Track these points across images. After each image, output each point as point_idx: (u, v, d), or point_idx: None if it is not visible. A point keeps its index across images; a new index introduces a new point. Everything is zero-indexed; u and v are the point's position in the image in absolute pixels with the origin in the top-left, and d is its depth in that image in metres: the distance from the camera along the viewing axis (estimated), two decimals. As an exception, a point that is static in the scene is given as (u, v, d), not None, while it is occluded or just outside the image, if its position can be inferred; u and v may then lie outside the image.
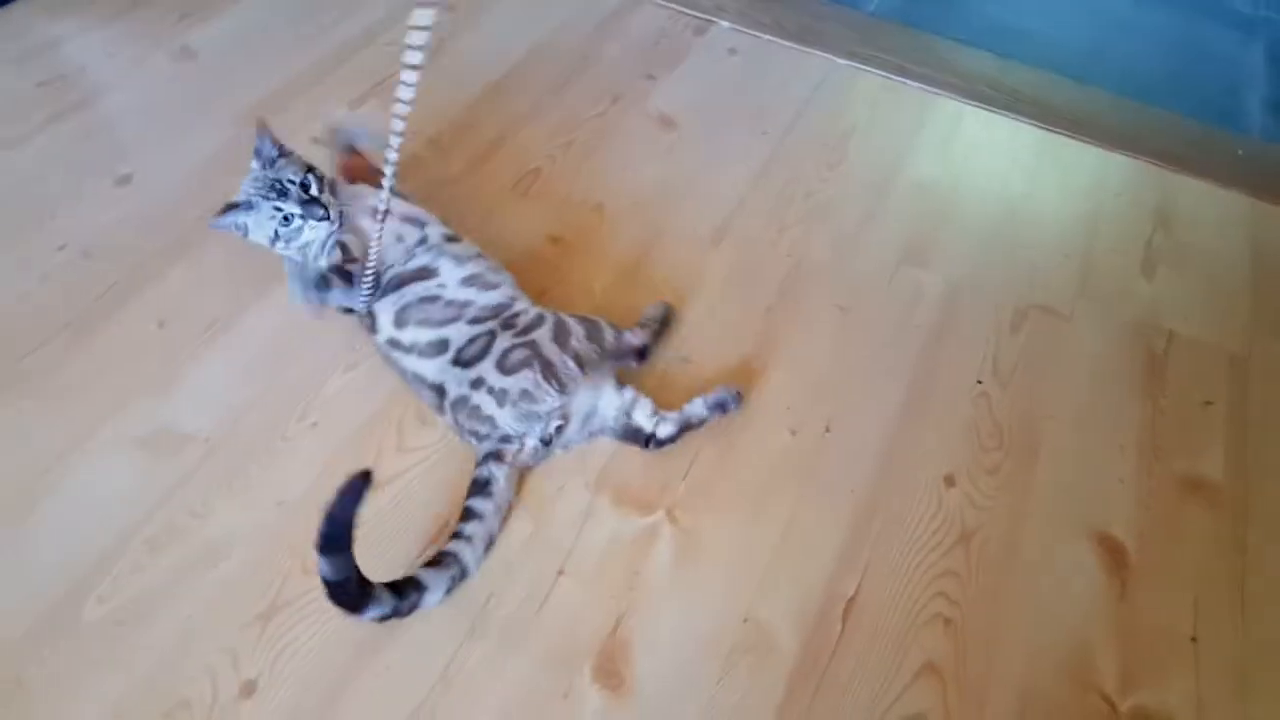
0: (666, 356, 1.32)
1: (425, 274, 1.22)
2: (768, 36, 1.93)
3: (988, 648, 1.08)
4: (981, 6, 2.16)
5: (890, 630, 1.09)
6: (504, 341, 1.16)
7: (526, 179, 1.58)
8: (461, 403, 1.15)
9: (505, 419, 1.14)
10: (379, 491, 1.16)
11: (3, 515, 1.12)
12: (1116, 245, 1.57)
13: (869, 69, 1.88)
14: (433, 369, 1.18)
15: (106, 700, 0.98)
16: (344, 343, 1.29)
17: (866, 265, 1.49)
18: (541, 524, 1.15)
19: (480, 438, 1.16)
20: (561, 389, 1.14)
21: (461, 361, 1.17)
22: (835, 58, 1.89)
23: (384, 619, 1.01)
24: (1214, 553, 1.19)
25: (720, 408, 1.24)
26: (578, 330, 1.19)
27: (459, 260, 1.24)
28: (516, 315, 1.20)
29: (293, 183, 1.20)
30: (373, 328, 1.23)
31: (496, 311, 1.20)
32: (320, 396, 1.25)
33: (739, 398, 1.26)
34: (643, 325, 1.30)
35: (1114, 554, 1.17)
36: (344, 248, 1.23)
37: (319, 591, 0.96)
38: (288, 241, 1.22)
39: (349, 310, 1.24)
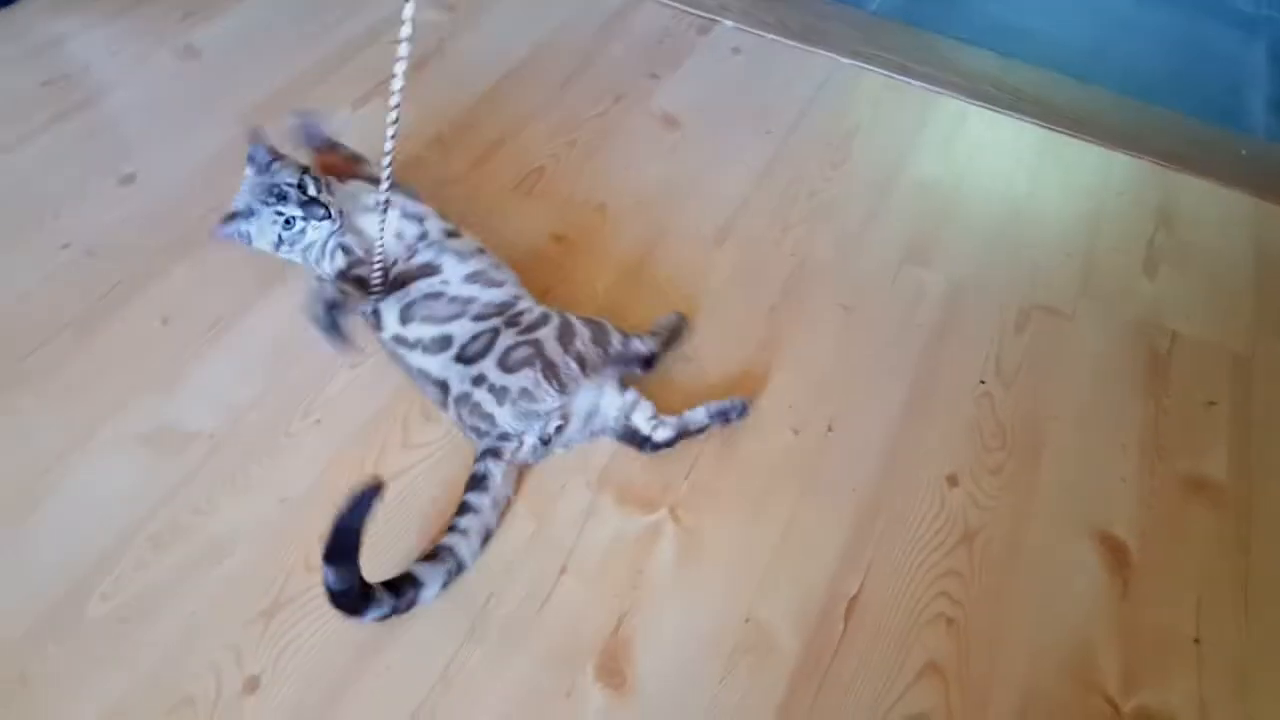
0: (669, 355, 1.32)
1: (429, 270, 1.23)
2: (771, 36, 1.93)
3: (990, 647, 1.08)
4: (983, 5, 2.16)
5: (893, 630, 1.09)
6: (507, 339, 1.16)
7: (529, 178, 1.58)
8: (464, 399, 1.16)
9: (504, 417, 1.14)
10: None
11: (6, 513, 1.12)
12: (1119, 245, 1.57)
13: (872, 68, 1.88)
14: (437, 365, 1.18)
15: (110, 697, 0.99)
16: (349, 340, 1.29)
17: (870, 264, 1.49)
18: (543, 522, 1.15)
19: (480, 434, 1.16)
20: (561, 389, 1.14)
21: (464, 358, 1.17)
22: (839, 57, 1.90)
23: (384, 618, 1.02)
24: (1217, 553, 1.19)
25: (723, 416, 1.24)
26: (584, 332, 1.19)
27: (461, 257, 1.24)
28: (520, 313, 1.20)
29: (290, 185, 1.21)
30: (378, 325, 1.23)
31: (501, 309, 1.20)
32: (324, 394, 1.25)
33: (744, 409, 1.25)
34: (653, 333, 1.29)
35: (1116, 554, 1.17)
36: (346, 250, 1.23)
37: (321, 588, 0.97)
38: (292, 245, 1.23)
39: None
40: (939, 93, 1.84)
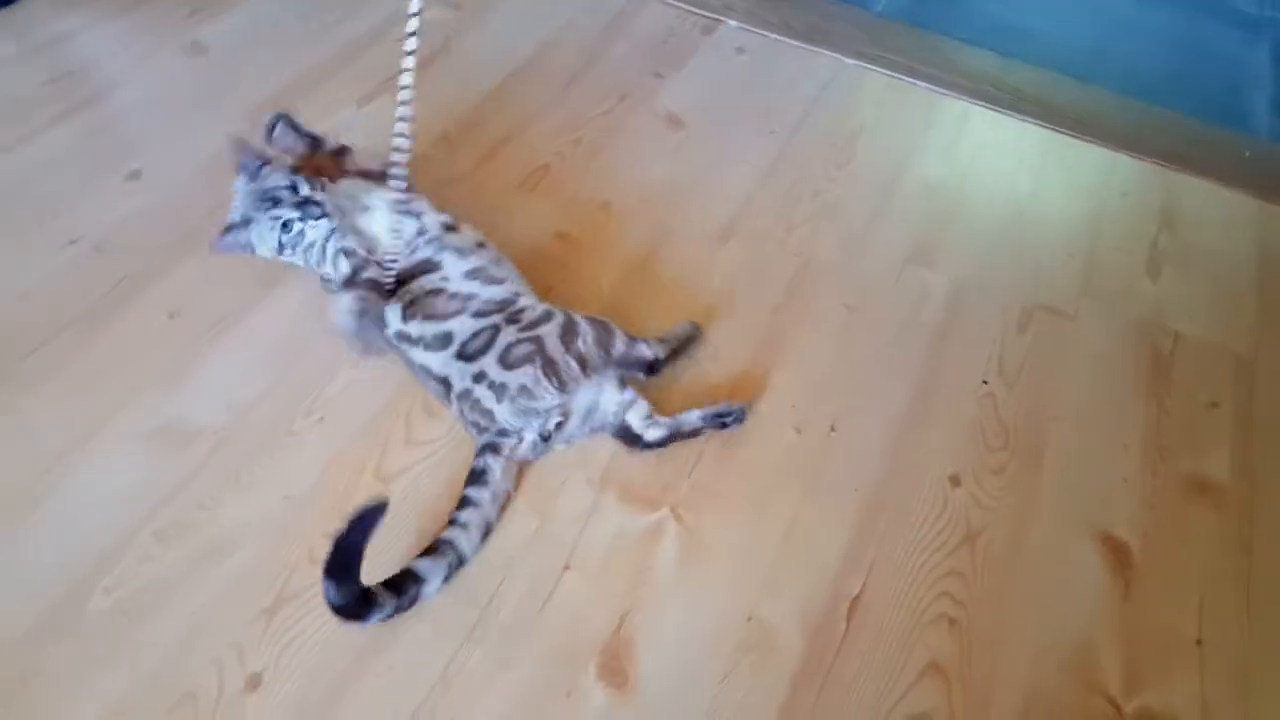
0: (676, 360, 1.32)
1: (429, 267, 1.23)
2: (775, 36, 1.93)
3: (993, 648, 1.08)
4: (986, 6, 2.16)
5: (895, 629, 1.09)
6: (508, 336, 1.17)
7: (534, 176, 1.58)
8: (465, 395, 1.16)
9: (503, 414, 1.14)
10: (387, 485, 1.16)
11: (11, 508, 1.13)
12: (1121, 245, 1.57)
13: (876, 69, 1.88)
14: (438, 362, 1.19)
15: (112, 692, 0.99)
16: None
17: (873, 264, 1.49)
18: (545, 520, 1.15)
19: (481, 430, 1.16)
20: (561, 388, 1.14)
21: (465, 355, 1.17)
22: (843, 57, 1.90)
23: (387, 619, 1.02)
24: (1219, 554, 1.19)
25: (718, 421, 1.22)
26: (587, 332, 1.18)
27: (461, 253, 1.24)
28: (521, 310, 1.20)
29: (283, 188, 1.21)
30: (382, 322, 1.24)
31: (501, 305, 1.21)
32: (328, 391, 1.25)
33: (742, 415, 1.24)
34: (663, 340, 1.28)
35: (1119, 554, 1.17)
36: (348, 253, 1.23)
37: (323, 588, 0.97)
38: (293, 247, 1.23)
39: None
40: (943, 93, 1.84)
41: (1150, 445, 1.29)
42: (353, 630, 1.03)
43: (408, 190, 1.19)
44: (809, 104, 1.78)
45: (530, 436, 1.16)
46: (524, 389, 1.14)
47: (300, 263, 1.27)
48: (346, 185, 1.30)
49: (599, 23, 1.93)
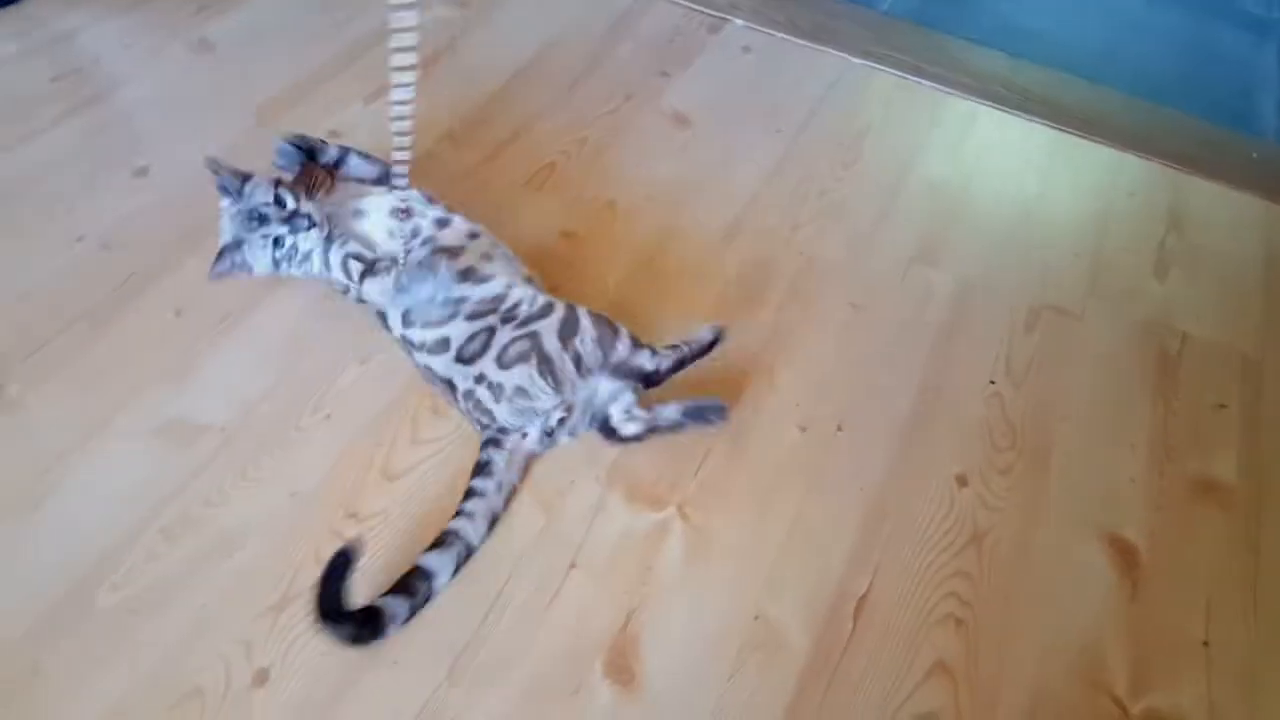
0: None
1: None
2: (782, 35, 1.93)
3: (999, 648, 1.08)
4: (994, 6, 2.15)
5: (902, 629, 1.09)
6: (504, 336, 1.16)
7: (540, 175, 1.58)
8: (469, 395, 1.17)
9: (502, 414, 1.15)
10: (394, 483, 1.16)
11: (19, 503, 1.13)
12: (1129, 246, 1.57)
13: (883, 68, 1.88)
14: (440, 365, 1.19)
15: (119, 687, 0.99)
16: (359, 335, 1.29)
17: (880, 264, 1.49)
18: (552, 517, 1.15)
19: (484, 427, 1.17)
20: (557, 389, 1.14)
21: (463, 358, 1.17)
22: (850, 57, 1.89)
23: (406, 621, 1.03)
24: (1226, 555, 1.18)
25: (699, 416, 1.19)
26: (588, 331, 1.17)
27: (452, 254, 1.24)
28: (517, 305, 1.19)
29: (268, 205, 1.20)
30: (385, 324, 1.25)
31: (495, 303, 1.20)
32: (334, 388, 1.25)
33: (723, 411, 1.20)
34: (674, 347, 1.23)
35: (1126, 555, 1.17)
36: (358, 258, 1.23)
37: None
38: (289, 261, 1.23)
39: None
40: (949, 93, 1.84)
41: (1157, 446, 1.28)
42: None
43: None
44: (815, 103, 1.78)
45: (534, 432, 1.16)
46: (520, 390, 1.14)
47: (301, 275, 1.27)
48: (339, 194, 1.30)
49: (605, 21, 1.92)
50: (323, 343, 1.30)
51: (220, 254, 1.20)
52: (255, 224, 1.19)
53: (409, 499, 1.15)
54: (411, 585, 1.04)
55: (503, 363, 1.15)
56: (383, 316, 1.24)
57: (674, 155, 1.65)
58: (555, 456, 1.20)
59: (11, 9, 1.81)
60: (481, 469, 1.14)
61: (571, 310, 1.19)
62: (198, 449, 1.18)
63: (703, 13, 1.96)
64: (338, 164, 1.34)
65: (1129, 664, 1.08)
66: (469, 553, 1.09)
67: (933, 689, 1.04)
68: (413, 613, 1.04)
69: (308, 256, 1.24)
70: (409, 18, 0.94)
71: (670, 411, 1.19)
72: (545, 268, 1.34)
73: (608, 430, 1.19)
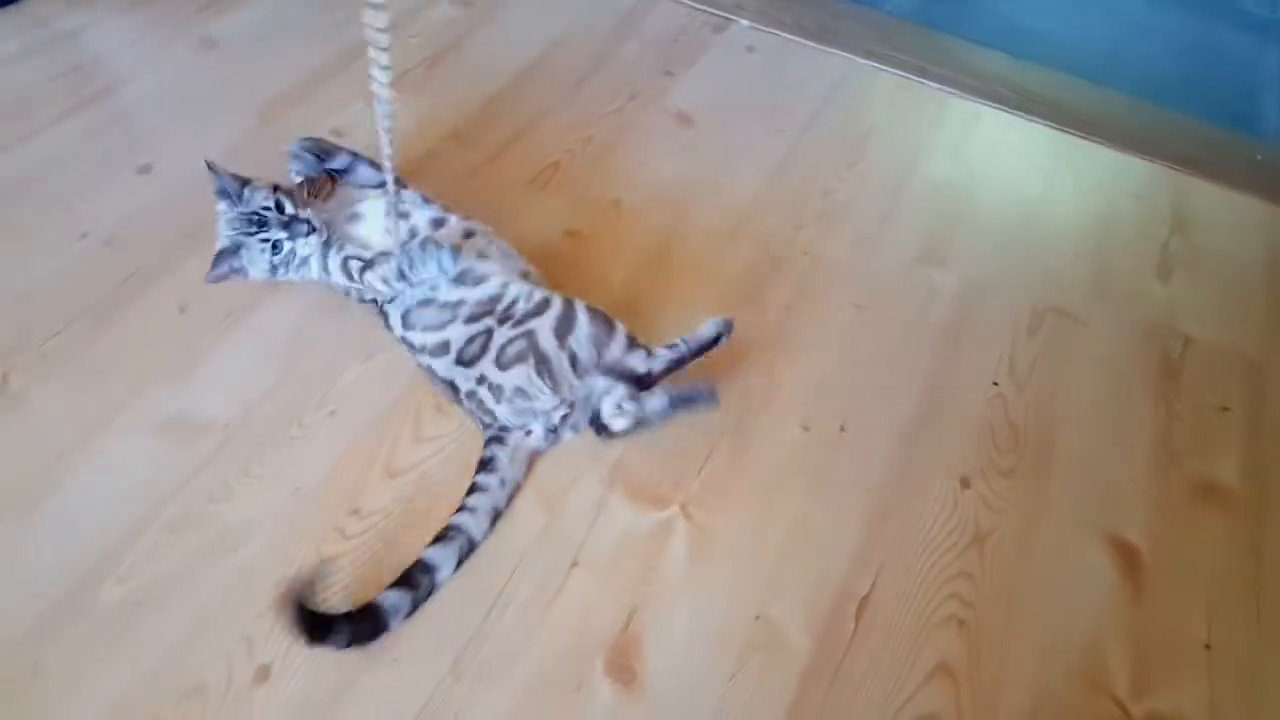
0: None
1: None
2: (786, 35, 1.93)
3: (1001, 649, 1.08)
4: (997, 7, 2.15)
5: (904, 630, 1.09)
6: (501, 337, 1.17)
7: (545, 173, 1.58)
8: (471, 396, 1.18)
9: (503, 414, 1.15)
10: (396, 480, 1.17)
11: (22, 499, 1.13)
12: (1132, 248, 1.57)
13: (887, 69, 1.88)
14: (442, 367, 1.20)
15: (121, 683, 0.99)
16: (362, 332, 1.29)
17: (883, 264, 1.49)
18: (555, 516, 1.15)
19: (486, 425, 1.18)
20: (555, 389, 1.15)
21: (463, 361, 1.18)
22: (854, 57, 1.89)
23: (410, 615, 1.04)
24: (1228, 558, 1.18)
25: (687, 403, 1.15)
26: (584, 328, 1.16)
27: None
28: (513, 303, 1.19)
29: (267, 209, 1.19)
30: (387, 325, 1.25)
31: (491, 304, 1.20)
32: (338, 385, 1.26)
33: (713, 394, 1.17)
34: (671, 346, 1.19)
35: (1128, 557, 1.17)
36: (356, 258, 1.23)
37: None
38: (287, 266, 1.22)
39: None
40: (953, 94, 1.84)
41: (1160, 448, 1.28)
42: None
43: (397, 187, 1.18)
44: (820, 103, 1.78)
45: (538, 430, 1.17)
46: (519, 390, 1.14)
47: (297, 279, 1.26)
48: (336, 199, 1.30)
49: (610, 21, 1.93)
50: (326, 340, 1.30)
51: (217, 258, 1.19)
52: (254, 228, 1.19)
53: (411, 496, 1.15)
54: (413, 579, 1.04)
55: (501, 363, 1.15)
56: (385, 316, 1.24)
57: (678, 154, 1.65)
58: (558, 455, 1.20)
59: (16, 7, 1.81)
60: (485, 465, 1.14)
61: (569, 305, 1.18)
62: (200, 446, 1.18)
63: (708, 12, 1.96)
64: (345, 171, 1.33)
65: (1130, 666, 1.08)
66: (471, 547, 1.09)
67: (934, 690, 1.04)
68: (415, 606, 1.04)
69: (305, 262, 1.23)
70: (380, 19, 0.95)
71: (657, 402, 1.15)
72: (550, 267, 1.33)
73: (599, 426, 1.17)
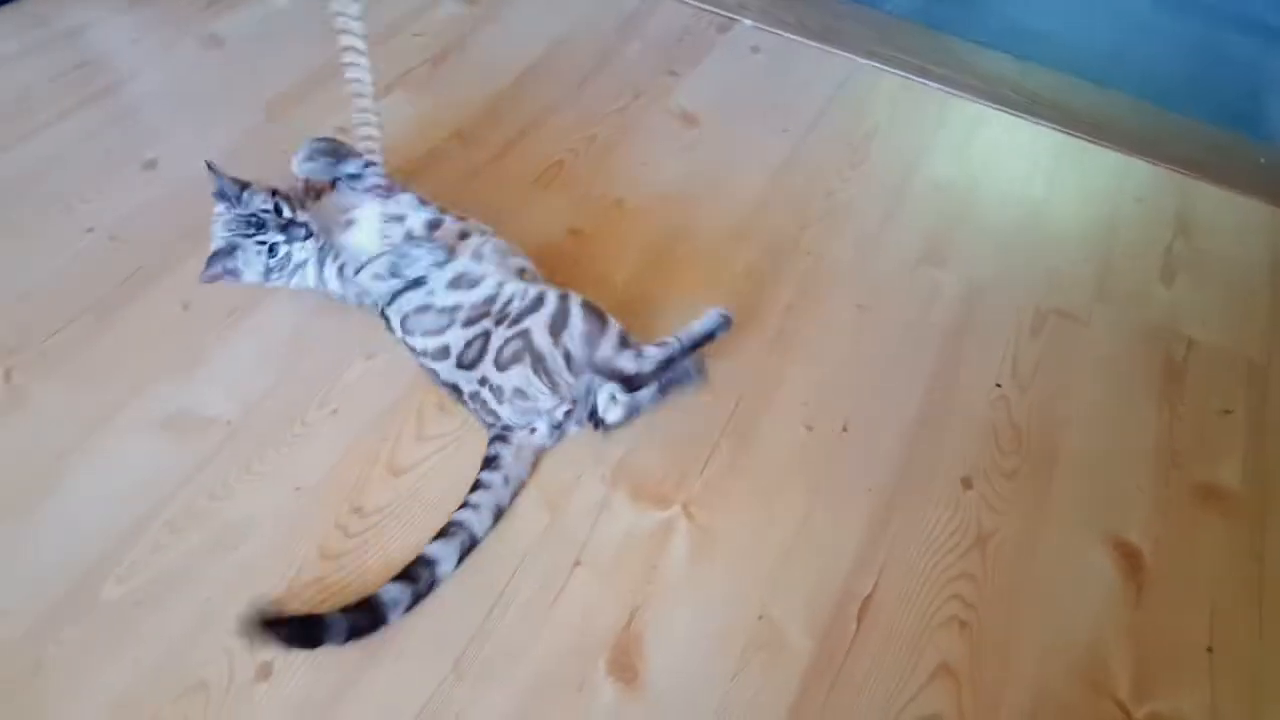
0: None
1: (416, 282, 1.22)
2: (790, 35, 1.93)
3: (1003, 651, 1.08)
4: (1001, 8, 2.15)
5: (906, 631, 1.09)
6: (498, 338, 1.17)
7: (548, 172, 1.58)
8: (474, 397, 1.18)
9: (506, 414, 1.16)
10: (399, 478, 1.17)
11: (25, 495, 1.13)
12: (1136, 250, 1.57)
13: (890, 69, 1.88)
14: (444, 370, 1.20)
15: (123, 679, 0.99)
16: (365, 331, 1.29)
17: (886, 265, 1.49)
18: (557, 515, 1.15)
19: (489, 425, 1.18)
20: (554, 389, 1.15)
21: (463, 364, 1.18)
22: (857, 57, 1.89)
23: (410, 608, 1.03)
24: (1231, 561, 1.18)
25: (676, 384, 1.21)
26: (576, 326, 1.15)
27: (442, 263, 1.23)
28: (509, 303, 1.19)
29: (265, 212, 1.19)
30: (389, 327, 1.25)
31: (487, 306, 1.20)
32: (340, 383, 1.26)
33: (699, 368, 1.22)
34: (663, 344, 1.18)
35: (1130, 560, 1.17)
36: (352, 262, 1.23)
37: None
38: (281, 270, 1.22)
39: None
40: (956, 95, 1.84)
41: (1163, 451, 1.28)
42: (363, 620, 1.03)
43: (389, 188, 1.18)
44: (823, 103, 1.78)
45: (543, 427, 1.17)
46: (519, 390, 1.15)
47: (290, 285, 1.25)
48: (333, 200, 1.29)
49: (614, 20, 1.93)
50: (329, 338, 1.30)
51: (211, 258, 1.18)
52: (252, 230, 1.18)
53: (413, 495, 1.15)
54: (414, 573, 1.05)
55: (499, 364, 1.15)
56: (386, 319, 1.24)
57: (682, 154, 1.65)
58: (561, 454, 1.20)
59: (16, 6, 1.81)
60: (489, 463, 1.15)
61: (563, 301, 1.18)
62: (203, 442, 1.18)
63: (712, 12, 1.96)
64: (356, 177, 1.29)
65: (1132, 668, 1.08)
66: (473, 543, 1.09)
67: (936, 691, 1.04)
68: (415, 600, 1.04)
69: (301, 266, 1.23)
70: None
71: (645, 395, 1.18)
72: (553, 266, 1.33)
73: (595, 420, 1.19)
